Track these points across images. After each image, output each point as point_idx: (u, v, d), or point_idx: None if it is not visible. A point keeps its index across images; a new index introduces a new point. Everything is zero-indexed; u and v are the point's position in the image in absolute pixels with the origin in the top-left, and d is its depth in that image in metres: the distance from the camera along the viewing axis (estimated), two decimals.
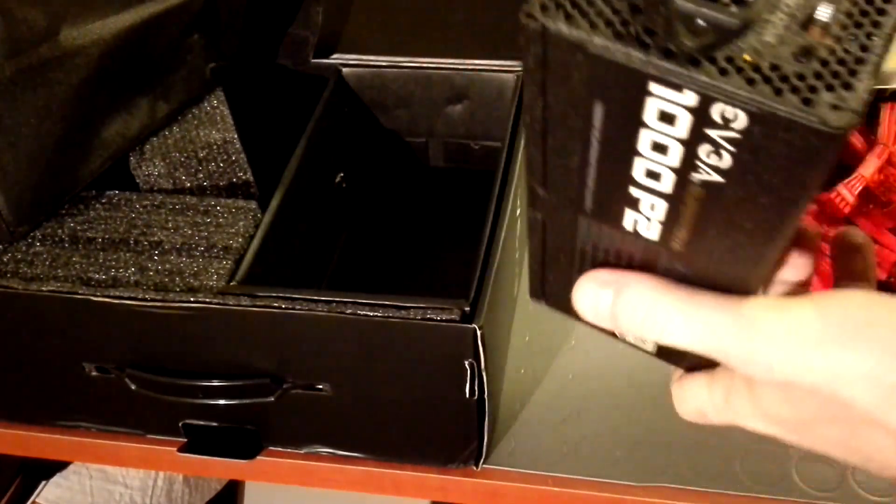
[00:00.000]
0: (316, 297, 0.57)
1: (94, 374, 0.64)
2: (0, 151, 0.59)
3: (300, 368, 0.61)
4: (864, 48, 0.25)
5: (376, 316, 0.56)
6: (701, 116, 0.25)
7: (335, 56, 0.81)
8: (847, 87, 0.24)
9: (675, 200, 0.29)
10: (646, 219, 0.30)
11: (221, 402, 0.63)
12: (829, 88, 0.24)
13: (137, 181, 0.72)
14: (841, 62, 0.25)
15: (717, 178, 0.27)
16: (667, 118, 0.26)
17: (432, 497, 0.69)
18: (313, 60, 0.81)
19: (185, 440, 0.68)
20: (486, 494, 0.67)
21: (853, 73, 0.25)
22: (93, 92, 0.65)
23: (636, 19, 0.26)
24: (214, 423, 0.66)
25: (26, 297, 0.60)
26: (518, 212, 0.67)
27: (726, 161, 0.26)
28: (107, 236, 0.64)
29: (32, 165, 0.62)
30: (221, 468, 0.80)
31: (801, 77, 0.25)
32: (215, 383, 0.62)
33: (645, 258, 0.33)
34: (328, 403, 0.63)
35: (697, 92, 0.25)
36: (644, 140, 0.27)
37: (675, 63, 0.25)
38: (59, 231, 0.65)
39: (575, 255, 0.36)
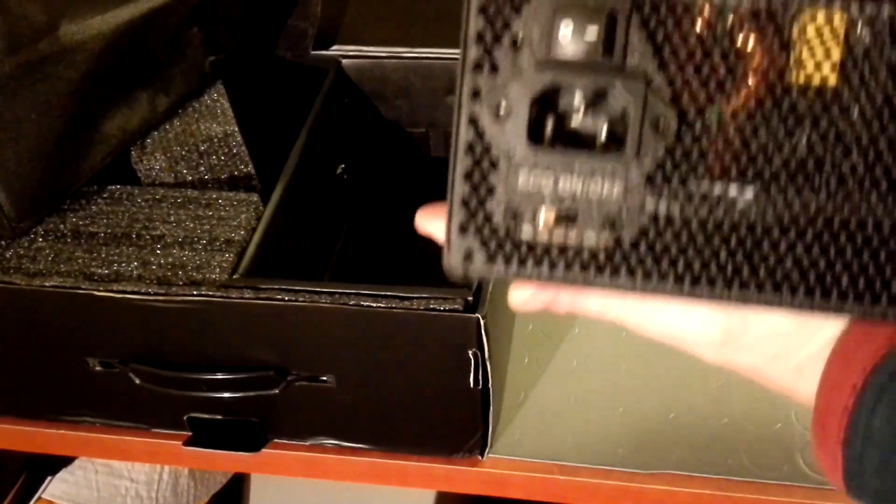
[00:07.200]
0: (319, 289, 0.57)
1: (98, 368, 0.65)
2: (1, 147, 0.59)
3: (304, 360, 0.61)
4: None
5: (379, 307, 0.56)
6: None
7: (335, 47, 0.81)
8: None
9: None
10: None
11: (226, 395, 0.63)
12: None
13: (139, 175, 0.72)
14: None
15: None
16: None
17: (438, 487, 0.69)
18: (313, 52, 0.81)
19: (190, 434, 0.68)
20: (491, 484, 0.67)
21: None
22: (93, 87, 0.65)
23: None
24: (219, 417, 0.66)
25: (29, 292, 0.60)
26: None
27: None
28: (109, 231, 0.64)
29: (34, 161, 0.62)
30: (227, 461, 0.80)
31: None
32: (219, 376, 0.62)
33: None
34: (332, 395, 0.63)
35: None
36: None
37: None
38: (62, 226, 0.65)
39: None
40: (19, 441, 0.74)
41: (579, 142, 0.29)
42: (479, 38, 0.28)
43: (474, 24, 0.28)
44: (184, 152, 0.72)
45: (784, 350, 0.34)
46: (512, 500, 0.69)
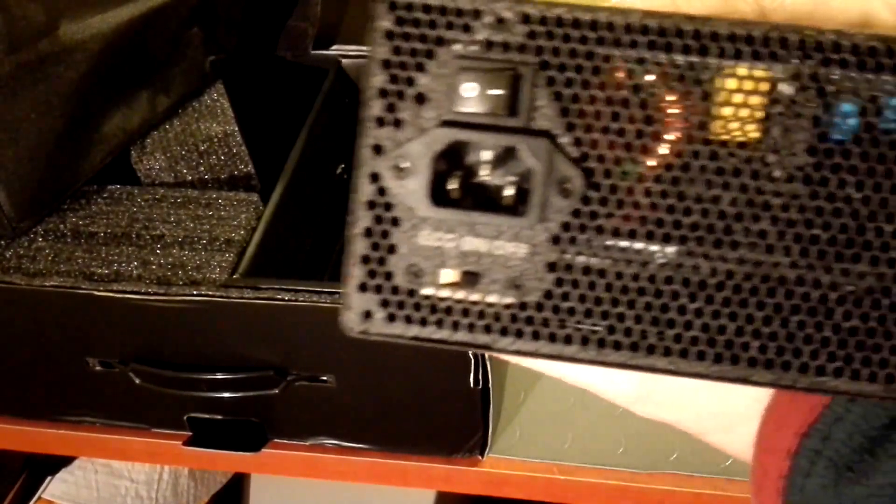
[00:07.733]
0: (319, 289, 0.57)
1: (98, 368, 0.64)
2: (1, 147, 0.59)
3: (304, 360, 0.61)
4: None
5: None
6: None
7: (335, 47, 0.81)
8: None
9: None
10: None
11: (226, 395, 0.63)
12: None
13: (139, 175, 0.72)
14: None
15: None
16: None
17: (438, 487, 0.69)
18: (313, 52, 0.81)
19: (191, 434, 0.68)
20: (491, 483, 0.67)
21: None
22: (93, 86, 0.65)
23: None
24: (219, 417, 0.66)
25: (29, 292, 0.60)
26: None
27: None
28: (109, 231, 0.64)
29: (34, 161, 0.62)
30: (227, 461, 0.80)
31: None
32: (219, 376, 0.62)
33: None
34: (333, 395, 0.63)
35: None
36: None
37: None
38: (61, 226, 0.65)
39: None
40: (19, 441, 0.74)
41: (484, 201, 0.28)
42: (382, 93, 0.27)
43: (377, 78, 0.27)
44: (184, 152, 0.72)
45: (707, 407, 0.34)
46: (512, 500, 0.69)
